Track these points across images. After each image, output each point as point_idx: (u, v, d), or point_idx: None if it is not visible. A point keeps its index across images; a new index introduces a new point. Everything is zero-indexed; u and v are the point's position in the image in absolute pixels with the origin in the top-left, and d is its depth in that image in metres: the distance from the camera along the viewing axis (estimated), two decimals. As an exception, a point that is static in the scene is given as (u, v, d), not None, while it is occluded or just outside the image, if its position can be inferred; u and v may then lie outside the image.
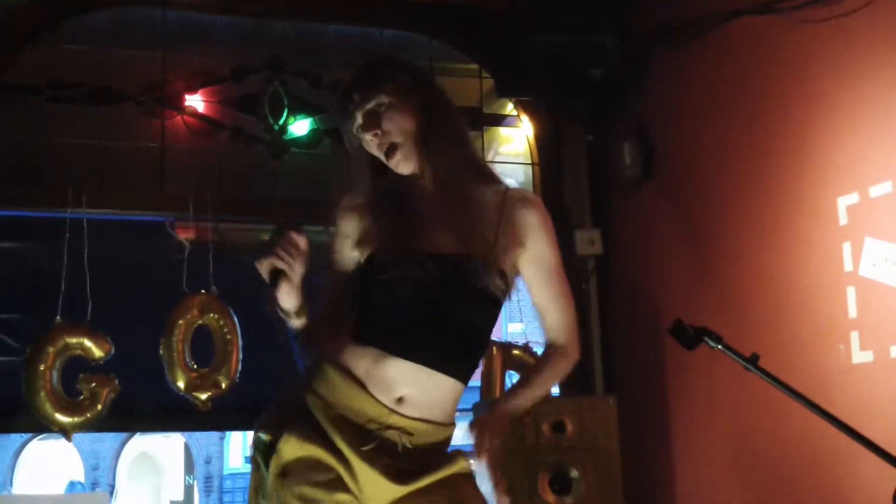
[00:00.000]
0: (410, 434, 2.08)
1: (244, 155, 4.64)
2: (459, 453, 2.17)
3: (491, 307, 2.15)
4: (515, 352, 4.50)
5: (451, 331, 2.10)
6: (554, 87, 4.54)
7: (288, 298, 2.06)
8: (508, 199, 2.20)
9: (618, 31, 4.30)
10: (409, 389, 2.08)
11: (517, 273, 2.21)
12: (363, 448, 2.05)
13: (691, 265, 4.25)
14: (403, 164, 2.17)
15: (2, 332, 4.84)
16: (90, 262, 4.26)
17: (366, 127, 2.15)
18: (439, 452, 2.16)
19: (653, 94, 4.51)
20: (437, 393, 2.10)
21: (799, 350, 3.56)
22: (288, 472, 2.04)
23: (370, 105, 2.14)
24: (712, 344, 2.63)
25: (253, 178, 4.64)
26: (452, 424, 2.18)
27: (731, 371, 2.79)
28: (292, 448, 2.05)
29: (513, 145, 5.06)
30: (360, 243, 2.18)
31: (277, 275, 2.02)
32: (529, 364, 4.48)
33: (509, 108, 4.99)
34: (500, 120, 5.00)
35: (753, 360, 2.61)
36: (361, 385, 2.08)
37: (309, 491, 2.02)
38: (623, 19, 4.32)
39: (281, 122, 4.64)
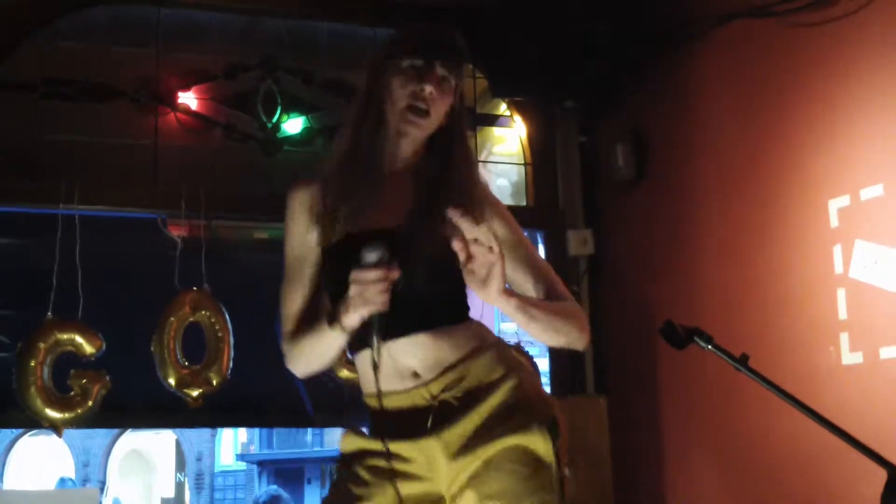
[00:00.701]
0: (455, 384, 2.07)
1: (237, 153, 4.64)
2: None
3: (452, 271, 2.04)
4: (507, 351, 4.50)
5: (419, 293, 2.05)
6: (548, 88, 4.55)
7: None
8: (488, 204, 2.21)
9: (613, 32, 4.30)
10: (413, 361, 2.08)
11: None
12: (428, 427, 2.05)
13: (683, 266, 4.26)
14: (415, 136, 2.14)
15: (-2, 328, 4.85)
16: (82, 259, 4.25)
17: (433, 84, 2.08)
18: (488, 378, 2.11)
19: (647, 95, 4.53)
20: (441, 345, 2.09)
21: (789, 351, 3.58)
22: (347, 460, 2.15)
23: (445, 77, 2.12)
24: (703, 344, 2.64)
25: (246, 175, 4.64)
26: (490, 345, 2.14)
27: (722, 371, 2.79)
28: (350, 441, 2.16)
29: (506, 145, 5.07)
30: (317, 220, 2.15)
31: (383, 322, 1.98)
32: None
33: (503, 109, 5.00)
34: (493, 120, 5.01)
35: (743, 361, 2.62)
36: (380, 395, 2.07)
37: (363, 472, 2.09)
38: (618, 20, 4.33)
39: (274, 119, 4.65)
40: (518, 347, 4.53)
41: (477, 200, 2.15)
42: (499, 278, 1.91)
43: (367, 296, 1.93)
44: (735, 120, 4.00)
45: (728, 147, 4.03)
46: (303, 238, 2.18)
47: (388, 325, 2.00)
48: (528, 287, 2.17)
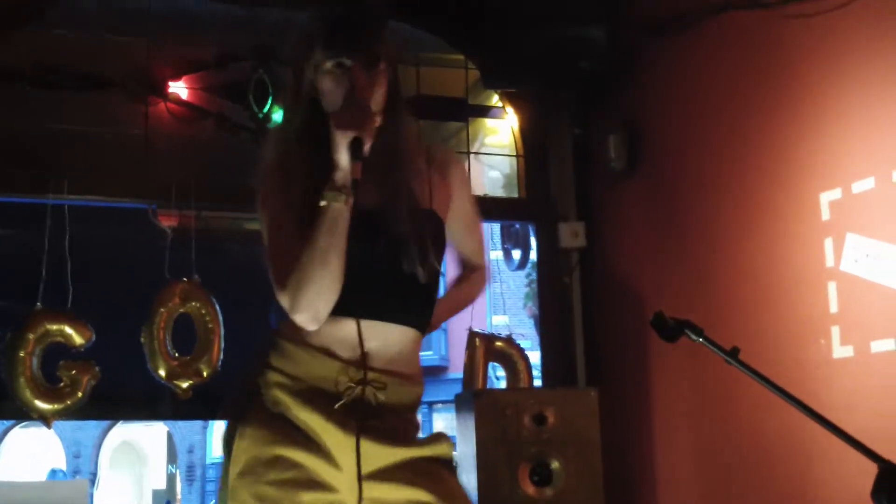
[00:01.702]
0: (383, 387, 2.08)
1: (228, 143, 4.61)
2: (442, 436, 2.19)
3: (435, 249, 2.14)
4: (498, 343, 4.51)
5: (395, 282, 2.09)
6: (541, 79, 4.54)
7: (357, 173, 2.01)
8: (431, 155, 2.24)
9: (606, 23, 4.29)
10: (373, 343, 2.08)
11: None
12: (336, 406, 2.04)
13: (674, 259, 4.26)
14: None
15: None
16: (72, 249, 4.24)
17: (363, 91, 2.07)
18: (409, 420, 2.17)
19: (640, 87, 4.51)
20: (398, 344, 2.12)
21: (780, 344, 3.58)
22: (246, 471, 2.04)
23: (373, 66, 2.10)
24: (693, 337, 2.62)
25: (237, 166, 4.60)
26: (419, 384, 2.20)
27: (713, 364, 2.78)
28: (248, 445, 2.05)
29: (498, 137, 5.06)
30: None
31: (359, 146, 1.99)
32: (512, 355, 4.49)
33: (495, 100, 4.98)
34: (485, 111, 4.99)
35: (734, 354, 2.61)
36: (325, 351, 2.08)
37: (267, 490, 2.01)
38: (611, 11, 4.32)
39: (265, 109, 4.62)
40: (509, 339, 4.56)
41: (445, 161, 2.27)
42: None
43: (352, 114, 1.99)
44: (726, 112, 3.99)
45: (719, 139, 4.02)
46: (284, 200, 2.13)
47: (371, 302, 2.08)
48: (461, 246, 2.37)
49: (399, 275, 2.08)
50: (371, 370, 2.07)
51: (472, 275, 2.41)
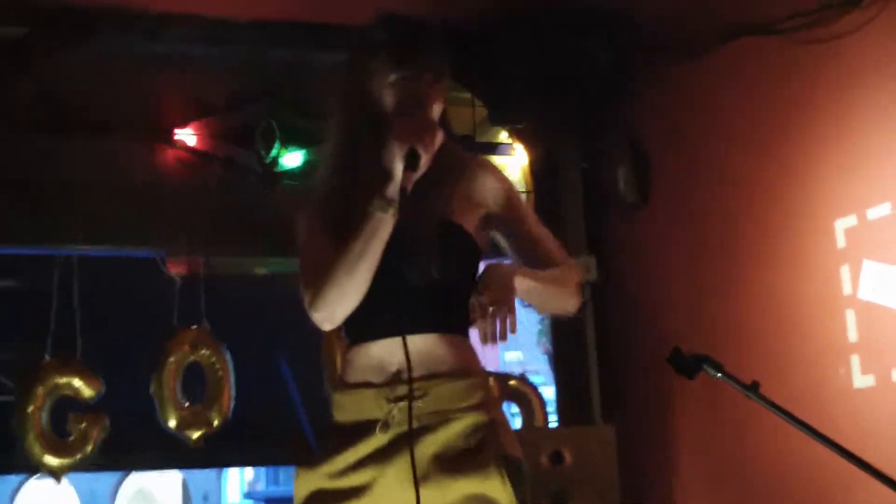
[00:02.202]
0: (422, 395, 2.04)
1: (236, 187, 4.58)
2: (495, 469, 2.06)
3: (456, 257, 2.11)
4: (512, 382, 4.46)
5: (414, 292, 2.04)
6: (547, 114, 4.52)
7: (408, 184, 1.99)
8: (469, 166, 2.21)
9: (612, 52, 4.27)
10: (402, 360, 2.03)
11: (485, 235, 2.21)
12: (377, 429, 2.03)
13: (689, 291, 4.21)
14: None
15: None
16: (81, 299, 4.21)
17: (427, 105, 2.08)
18: (470, 423, 2.08)
19: (649, 116, 4.48)
20: (431, 353, 2.08)
21: (800, 375, 3.52)
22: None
23: (435, 82, 2.11)
24: (712, 372, 2.59)
25: (245, 210, 4.59)
26: (469, 374, 2.12)
27: (732, 398, 2.73)
28: (305, 482, 2.09)
29: (506, 172, 5.02)
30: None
31: (415, 157, 1.97)
32: (526, 394, 4.43)
33: (503, 136, 4.95)
34: (493, 148, 4.96)
35: (754, 388, 2.57)
36: (361, 385, 2.08)
37: None
38: (618, 40, 4.30)
39: (273, 153, 4.59)
40: (523, 378, 4.51)
41: (472, 169, 2.19)
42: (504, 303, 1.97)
43: (414, 126, 1.97)
44: (738, 140, 3.95)
45: (731, 167, 3.98)
46: (327, 210, 2.14)
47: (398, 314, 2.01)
48: (525, 250, 2.22)
49: (404, 287, 2.04)
50: (403, 384, 2.03)
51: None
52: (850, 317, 3.36)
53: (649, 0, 4.20)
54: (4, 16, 4.23)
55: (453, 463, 2.03)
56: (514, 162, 4.96)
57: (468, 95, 4.86)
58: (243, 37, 4.50)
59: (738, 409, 3.27)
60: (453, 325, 2.12)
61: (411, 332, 2.04)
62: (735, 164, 3.97)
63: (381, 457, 2.04)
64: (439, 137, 2.01)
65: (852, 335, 3.36)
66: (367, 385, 2.07)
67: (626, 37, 4.30)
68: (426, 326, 2.08)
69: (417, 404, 2.03)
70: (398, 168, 1.96)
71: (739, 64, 3.94)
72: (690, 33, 4.13)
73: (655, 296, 4.42)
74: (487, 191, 2.19)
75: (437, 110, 2.12)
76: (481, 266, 2.15)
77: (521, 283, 2.04)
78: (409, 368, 2.00)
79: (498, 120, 4.73)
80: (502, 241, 2.22)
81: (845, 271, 3.39)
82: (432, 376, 2.06)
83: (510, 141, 4.92)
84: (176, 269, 4.43)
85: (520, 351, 12.79)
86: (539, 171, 4.86)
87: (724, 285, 4.00)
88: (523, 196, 4.95)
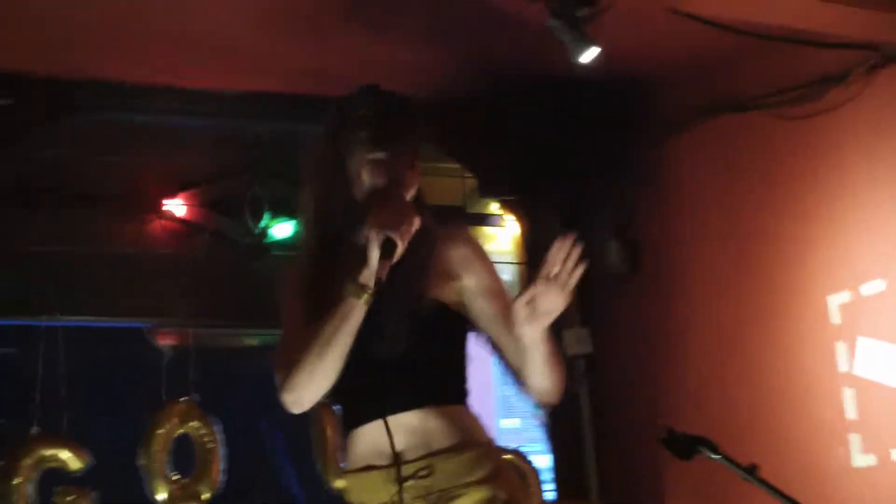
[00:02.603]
0: (428, 473, 2.00)
1: (225, 258, 4.56)
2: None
3: (438, 330, 2.09)
4: (507, 457, 4.38)
5: (401, 368, 2.03)
6: (537, 185, 4.51)
7: (380, 277, 1.96)
8: (437, 237, 2.16)
9: (598, 127, 4.29)
10: (400, 439, 2.01)
11: (462, 308, 2.15)
12: None
13: (683, 365, 4.17)
14: None
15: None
16: (68, 370, 4.16)
17: (399, 173, 2.07)
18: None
19: (637, 191, 4.48)
20: (426, 428, 2.04)
21: (799, 454, 3.48)
22: None
23: (400, 161, 2.10)
24: (709, 454, 2.56)
25: (234, 281, 4.56)
26: (474, 445, 2.07)
27: (730, 478, 2.69)
28: None
29: (497, 243, 5.00)
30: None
31: (390, 247, 1.95)
32: (523, 470, 4.36)
33: (494, 207, 4.94)
34: (483, 219, 4.95)
35: (752, 471, 2.54)
36: (365, 469, 2.05)
37: None
38: (603, 116, 4.31)
39: (262, 224, 4.57)
40: (518, 453, 4.44)
41: (443, 241, 2.16)
42: (553, 318, 1.98)
43: (391, 215, 1.94)
44: (728, 213, 3.95)
45: (721, 241, 3.97)
46: (304, 286, 2.12)
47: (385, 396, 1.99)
48: (495, 320, 2.14)
49: (384, 366, 2.02)
50: (410, 463, 2.01)
51: None
52: (848, 394, 3.33)
53: (637, 76, 4.20)
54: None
55: None
56: (505, 233, 4.95)
57: (458, 166, 4.86)
58: (227, 108, 4.51)
59: (736, 490, 3.22)
60: (446, 396, 2.09)
61: (401, 409, 2.03)
62: (726, 237, 3.96)
63: None
64: (416, 223, 2.00)
65: (850, 413, 3.33)
66: (371, 468, 2.05)
67: (615, 111, 4.31)
68: (414, 403, 2.05)
69: (425, 483, 2.00)
70: (374, 256, 1.95)
71: (724, 138, 3.95)
72: (674, 110, 4.14)
73: (648, 369, 4.38)
74: (463, 264, 2.16)
75: (411, 189, 2.12)
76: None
77: (544, 342, 2.02)
78: (392, 445, 1.98)
79: (488, 192, 4.73)
80: (476, 310, 2.15)
81: (841, 348, 3.37)
82: (435, 452, 2.02)
83: (501, 212, 4.91)
84: (164, 341, 4.39)
85: (517, 418, 12.67)
86: (531, 243, 4.85)
87: (718, 360, 3.97)
88: (514, 268, 4.94)
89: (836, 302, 3.40)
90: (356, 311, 1.96)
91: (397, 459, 1.99)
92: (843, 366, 3.35)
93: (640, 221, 4.46)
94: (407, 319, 2.03)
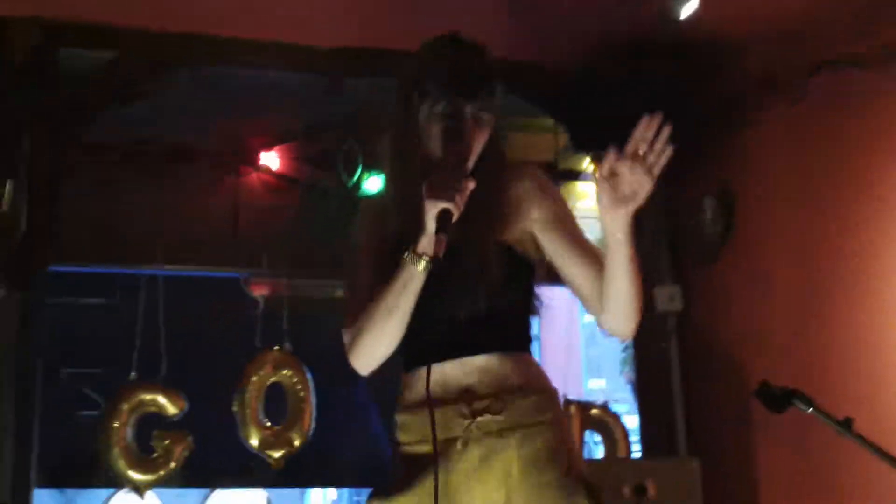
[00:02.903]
0: (501, 409, 2.03)
1: (319, 211, 4.61)
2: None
3: (507, 281, 2.06)
4: (594, 411, 4.39)
5: (463, 315, 2.03)
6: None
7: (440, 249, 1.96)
8: (513, 178, 2.16)
9: (698, 84, 4.20)
10: (472, 378, 2.05)
11: (533, 247, 2.14)
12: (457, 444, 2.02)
13: (778, 323, 4.08)
14: None
15: (87, 386, 4.89)
16: (166, 319, 4.27)
17: (466, 131, 2.03)
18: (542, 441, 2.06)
19: (735, 148, 4.38)
20: (496, 371, 2.07)
21: (894, 410, 3.39)
22: None
23: (479, 116, 2.06)
24: (803, 407, 2.53)
25: (327, 234, 4.61)
26: (539, 390, 2.09)
27: (823, 435, 2.66)
28: None
29: (590, 200, 4.96)
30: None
31: (446, 219, 1.94)
32: (608, 423, 4.36)
33: (585, 163, 4.90)
34: (575, 175, 4.91)
35: (847, 424, 2.49)
36: (427, 404, 2.02)
37: None
38: (704, 72, 4.22)
39: (355, 178, 4.61)
40: (605, 407, 4.44)
41: (516, 181, 2.15)
42: (637, 204, 1.92)
43: (444, 184, 1.92)
44: (829, 173, 3.84)
45: (822, 201, 3.86)
46: (371, 241, 2.14)
47: (443, 341, 2.01)
48: (584, 263, 2.10)
49: (462, 308, 2.02)
50: (479, 398, 2.04)
51: None
52: (951, 353, 3.24)
53: (742, 35, 4.10)
54: (92, 40, 4.32)
55: (541, 485, 2.02)
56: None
57: (550, 122, 4.82)
58: (323, 63, 4.54)
59: (829, 446, 3.16)
60: (513, 344, 2.12)
61: (472, 353, 2.06)
62: (825, 196, 3.85)
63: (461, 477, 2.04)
64: (470, 186, 1.96)
65: (953, 372, 3.23)
66: (441, 403, 2.04)
67: (714, 68, 4.22)
68: (486, 347, 2.08)
69: (498, 417, 2.03)
70: (431, 226, 1.94)
71: (828, 96, 3.83)
72: (778, 66, 4.04)
73: (742, 327, 4.30)
74: (524, 197, 2.15)
75: (479, 143, 2.08)
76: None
77: (629, 245, 1.96)
78: (428, 386, 1.97)
79: (580, 146, 4.68)
80: (547, 241, 2.13)
81: (947, 308, 3.26)
82: (507, 390, 2.06)
83: (593, 168, 4.86)
84: (259, 291, 4.47)
85: (603, 379, 12.65)
86: (623, 198, 4.79)
87: (815, 319, 3.88)
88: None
89: (936, 257, 3.30)
90: (416, 279, 1.97)
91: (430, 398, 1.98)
92: (948, 327, 3.25)
93: (737, 180, 4.37)
94: (480, 277, 2.04)
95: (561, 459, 2.05)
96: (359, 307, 2.04)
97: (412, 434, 2.08)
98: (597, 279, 2.06)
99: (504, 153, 2.18)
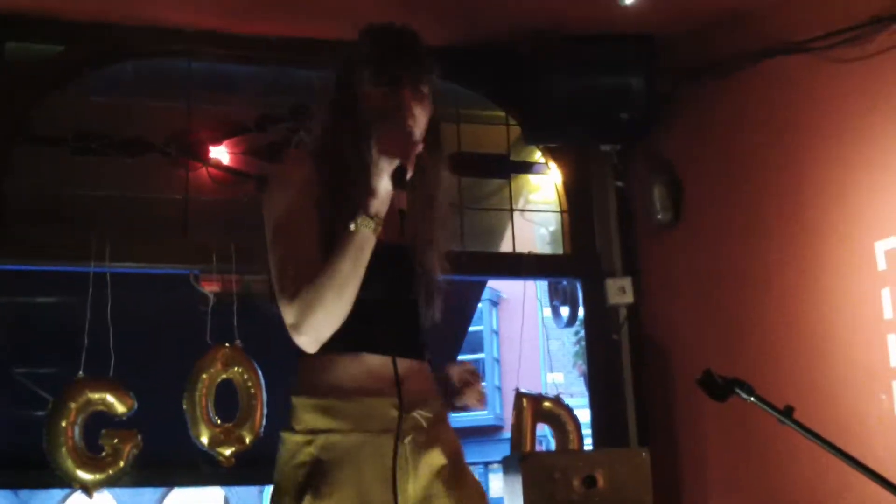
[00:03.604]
0: (425, 405, 2.14)
1: (269, 205, 4.57)
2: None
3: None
4: (546, 404, 4.39)
5: (423, 322, 2.12)
6: (581, 132, 4.47)
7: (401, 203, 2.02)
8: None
9: (644, 72, 4.22)
10: (403, 376, 2.05)
11: None
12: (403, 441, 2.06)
13: (724, 312, 4.13)
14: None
15: (40, 386, 4.82)
16: (114, 316, 4.21)
17: (409, 105, 2.07)
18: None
19: (682, 136, 4.42)
20: (416, 374, 2.14)
21: (837, 400, 3.44)
22: None
23: (421, 87, 2.11)
24: (744, 396, 2.55)
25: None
26: (438, 395, 2.23)
27: (767, 423, 2.67)
28: None
29: (542, 193, 4.97)
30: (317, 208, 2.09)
31: (402, 175, 1.95)
32: (560, 416, 4.37)
33: (538, 156, 4.91)
34: (527, 167, 4.92)
35: (788, 413, 2.51)
36: (360, 392, 2.06)
37: None
38: (650, 61, 4.24)
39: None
40: (557, 399, 4.45)
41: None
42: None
43: (396, 139, 1.95)
44: (773, 159, 3.88)
45: (766, 187, 3.91)
46: (305, 203, 2.09)
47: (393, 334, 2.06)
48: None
49: (414, 312, 2.09)
50: (412, 392, 2.08)
51: None
52: (893, 341, 3.27)
53: (683, 22, 4.14)
54: (40, 33, 4.27)
55: (464, 478, 2.15)
56: (548, 181, 4.92)
57: (502, 114, 4.83)
58: (275, 55, 4.51)
59: (773, 433, 3.19)
60: (427, 354, 2.21)
61: (413, 356, 2.14)
62: (770, 183, 3.89)
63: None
64: (419, 148, 2.01)
65: (894, 360, 3.26)
66: (372, 393, 2.07)
67: (661, 57, 4.24)
68: (422, 353, 2.17)
69: (425, 414, 2.11)
70: (384, 185, 1.94)
71: (771, 82, 3.87)
72: (723, 53, 4.07)
73: (690, 317, 4.34)
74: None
75: (423, 124, 2.11)
76: None
77: None
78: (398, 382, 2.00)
79: (532, 139, 4.69)
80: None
81: (886, 294, 3.30)
82: (425, 393, 2.16)
83: (544, 160, 4.87)
84: (209, 287, 4.42)
85: (561, 373, 12.70)
86: (573, 191, 4.81)
87: (759, 307, 3.92)
88: (557, 216, 4.91)
89: (882, 248, 3.34)
90: (369, 243, 1.97)
91: (399, 389, 2.01)
92: (888, 313, 3.29)
93: (684, 169, 4.41)
94: (437, 286, 2.12)
95: (463, 458, 2.20)
96: (302, 280, 1.97)
97: (343, 422, 2.06)
98: None
99: (443, 146, 2.22)
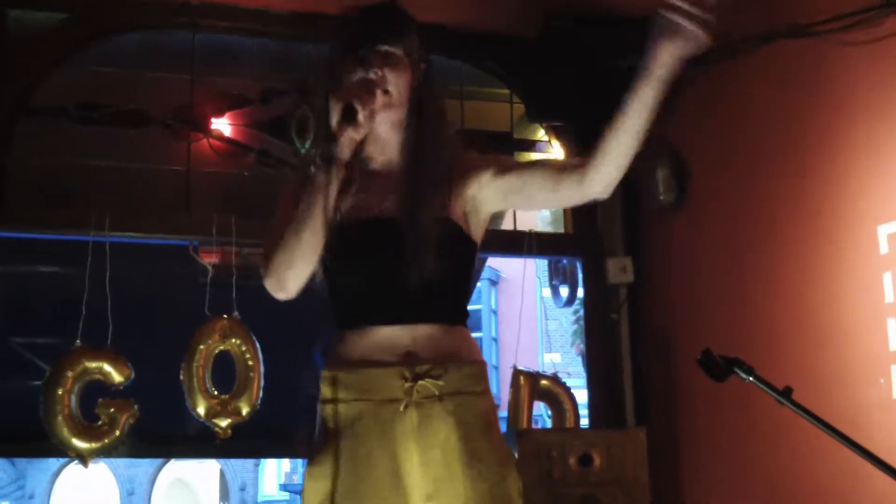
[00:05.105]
0: (440, 375, 2.08)
1: (270, 179, 4.57)
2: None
3: (450, 254, 2.14)
4: (543, 382, 4.40)
5: (414, 285, 2.09)
6: (585, 112, 4.44)
7: (344, 150, 2.03)
8: (461, 164, 2.25)
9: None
10: (411, 345, 2.10)
11: (473, 224, 2.22)
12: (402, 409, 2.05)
13: (725, 294, 4.12)
14: (385, 121, 2.14)
15: (37, 355, 4.82)
16: (113, 286, 4.20)
17: (373, 63, 2.11)
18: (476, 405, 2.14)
19: (686, 118, 4.38)
20: (437, 341, 2.13)
21: (836, 384, 3.43)
22: None
23: (390, 53, 2.14)
24: (743, 376, 2.54)
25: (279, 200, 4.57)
26: (475, 362, 2.16)
27: (765, 404, 2.67)
28: (314, 487, 2.08)
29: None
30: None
31: (351, 112, 2.01)
32: (557, 394, 4.37)
33: (540, 134, 4.90)
34: (530, 145, 4.91)
35: (786, 394, 2.51)
36: (368, 363, 2.08)
37: None
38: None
39: (308, 145, 4.56)
40: (555, 377, 4.44)
41: (462, 166, 2.22)
42: (690, 50, 1.94)
43: (352, 89, 2.02)
44: (777, 142, 3.86)
45: (770, 170, 3.89)
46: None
47: (391, 306, 2.08)
48: (548, 174, 2.21)
49: (412, 278, 2.08)
50: (422, 362, 2.09)
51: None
52: (893, 325, 3.27)
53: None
54: (44, 2, 4.24)
55: (477, 452, 2.09)
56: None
57: (506, 91, 4.81)
58: (279, 28, 4.49)
59: (771, 415, 3.18)
60: (453, 317, 2.18)
61: (416, 321, 2.12)
62: (773, 166, 3.88)
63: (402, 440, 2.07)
64: (380, 99, 2.06)
65: (893, 344, 3.26)
66: (380, 364, 2.08)
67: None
68: (430, 317, 2.14)
69: (437, 383, 2.08)
70: (334, 122, 2.00)
71: (776, 65, 3.85)
72: (726, 36, 4.04)
73: (690, 298, 4.34)
74: (471, 167, 2.23)
75: (398, 83, 2.13)
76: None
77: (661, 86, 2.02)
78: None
79: (535, 117, 4.67)
80: (509, 185, 2.20)
81: (888, 278, 3.30)
82: (446, 358, 2.12)
83: (547, 138, 4.86)
84: (208, 259, 4.41)
85: (558, 353, 12.74)
86: (577, 169, 4.79)
87: (760, 289, 3.91)
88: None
89: (885, 232, 3.32)
90: (324, 186, 2.02)
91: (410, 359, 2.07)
92: (889, 296, 3.28)
93: (690, 151, 4.39)
94: (432, 245, 2.09)
95: (493, 430, 2.13)
96: (276, 237, 2.08)
97: (350, 392, 2.09)
98: (562, 166, 2.22)
99: (438, 111, 2.24)
